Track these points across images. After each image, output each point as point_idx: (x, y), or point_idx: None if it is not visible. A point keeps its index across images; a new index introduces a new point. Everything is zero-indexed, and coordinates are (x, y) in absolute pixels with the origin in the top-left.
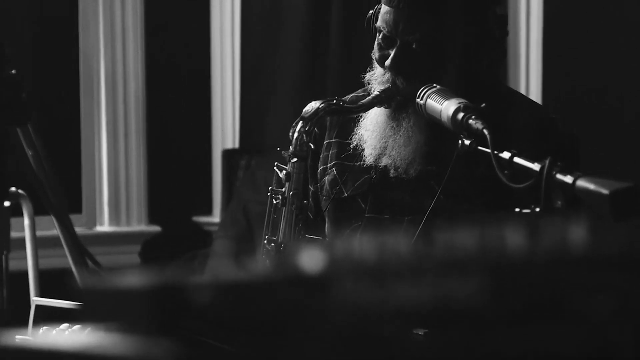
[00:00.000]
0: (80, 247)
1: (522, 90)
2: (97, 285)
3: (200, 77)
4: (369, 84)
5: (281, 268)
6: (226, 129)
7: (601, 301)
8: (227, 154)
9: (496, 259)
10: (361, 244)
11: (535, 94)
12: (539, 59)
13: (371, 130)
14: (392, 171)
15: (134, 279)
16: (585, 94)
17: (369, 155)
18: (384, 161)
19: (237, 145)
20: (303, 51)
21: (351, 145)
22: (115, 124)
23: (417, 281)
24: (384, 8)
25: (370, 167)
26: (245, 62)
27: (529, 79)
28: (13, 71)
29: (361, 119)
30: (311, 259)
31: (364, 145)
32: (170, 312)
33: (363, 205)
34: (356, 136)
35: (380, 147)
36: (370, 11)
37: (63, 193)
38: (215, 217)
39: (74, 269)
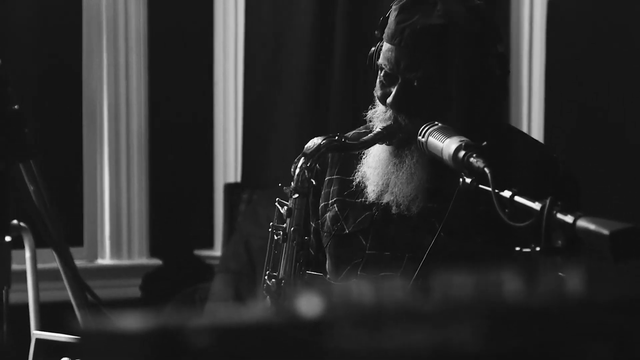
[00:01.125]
0: (80, 281)
1: (524, 129)
2: (97, 326)
3: (203, 112)
4: (370, 122)
5: (279, 311)
6: (228, 164)
7: (599, 347)
8: (229, 188)
9: (493, 304)
10: (359, 288)
11: (537, 133)
12: (541, 97)
13: (373, 167)
14: (394, 208)
15: (133, 321)
16: (587, 133)
17: (371, 192)
18: (386, 198)
19: (239, 179)
20: (306, 87)
21: (354, 183)
22: (117, 157)
23: (414, 326)
24: (386, 46)
25: (372, 204)
26: (248, 97)
27: (531, 117)
28: (16, 106)
29: (363, 156)
30: (309, 302)
31: (367, 182)
32: (167, 355)
33: (364, 242)
34: (358, 173)
35: (382, 184)
36: (372, 48)
37: (63, 227)
38: (217, 251)
39: (73, 303)
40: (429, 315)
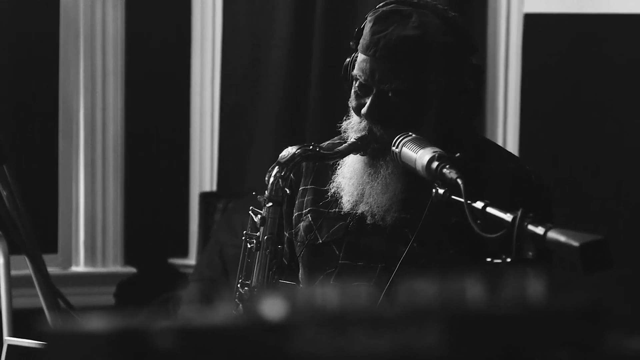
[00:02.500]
0: (52, 288)
1: (500, 141)
2: (62, 328)
3: (179, 120)
4: (345, 133)
5: (244, 315)
6: (204, 172)
7: (560, 354)
8: (205, 197)
9: (456, 310)
10: (323, 293)
11: (512, 145)
12: (517, 110)
13: (348, 177)
14: (369, 218)
15: (99, 323)
16: (563, 145)
17: (346, 202)
18: (361, 208)
19: (214, 188)
20: (282, 96)
21: (329, 193)
22: (93, 165)
23: (378, 331)
24: (361, 56)
25: (346, 214)
26: (225, 106)
27: (507, 129)
28: None
29: (338, 167)
30: (273, 306)
31: (342, 193)
32: (132, 356)
33: (337, 252)
34: (333, 184)
35: (357, 194)
36: (347, 59)
37: (35, 234)
38: (191, 260)
39: (45, 310)
40: (393, 321)
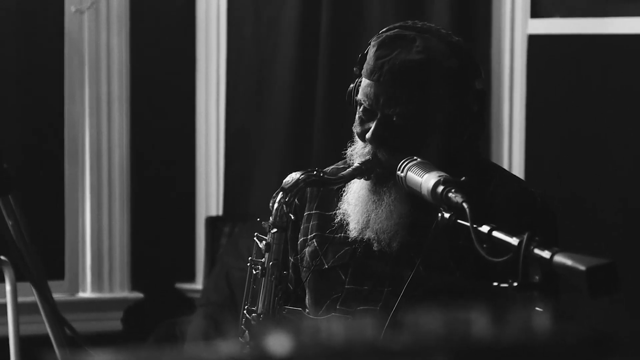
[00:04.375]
0: (58, 316)
1: (505, 164)
2: None
3: (184, 145)
4: (349, 158)
5: (250, 349)
6: (210, 197)
7: None
8: (211, 222)
9: (462, 341)
10: (329, 326)
11: (517, 168)
12: (522, 133)
13: (354, 204)
14: (375, 244)
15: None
16: (569, 168)
17: (353, 229)
18: (367, 234)
19: (220, 212)
20: (287, 121)
21: (335, 221)
22: (99, 190)
23: None
24: (365, 81)
25: (352, 239)
26: (230, 130)
27: (512, 153)
28: None
29: (343, 194)
30: (279, 340)
31: (348, 219)
32: None
33: (343, 277)
34: (340, 210)
35: (363, 221)
36: (351, 85)
37: (43, 262)
38: (198, 284)
39: (52, 339)
40: (399, 353)
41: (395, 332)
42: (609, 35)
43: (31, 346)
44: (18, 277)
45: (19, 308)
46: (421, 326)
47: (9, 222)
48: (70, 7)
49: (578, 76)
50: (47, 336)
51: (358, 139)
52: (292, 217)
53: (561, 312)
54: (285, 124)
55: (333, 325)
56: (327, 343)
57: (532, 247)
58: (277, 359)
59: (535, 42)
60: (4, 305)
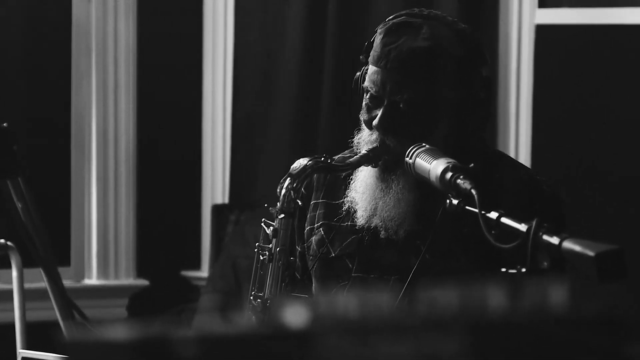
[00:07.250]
0: (67, 300)
1: (512, 152)
2: (83, 337)
3: (191, 132)
4: (356, 146)
5: (266, 323)
6: (216, 184)
7: None
8: (217, 209)
9: (478, 318)
10: (345, 301)
11: (524, 156)
12: (529, 121)
13: (361, 192)
14: (382, 232)
15: (119, 332)
16: (575, 156)
17: (360, 217)
18: (375, 222)
19: (226, 200)
20: (293, 108)
21: (343, 209)
22: (105, 177)
23: (400, 339)
24: (371, 68)
25: (358, 227)
26: (237, 117)
27: (519, 140)
28: (4, 124)
29: (351, 182)
30: (295, 314)
31: (356, 207)
32: None
33: (350, 265)
34: (347, 198)
35: (370, 209)
36: (358, 73)
37: (51, 246)
38: (204, 272)
39: (61, 322)
40: (414, 329)
41: (411, 308)
42: (616, 25)
43: (38, 332)
44: (24, 263)
45: (25, 294)
46: (437, 302)
47: (19, 205)
48: None
49: (585, 66)
50: (53, 322)
51: (365, 127)
52: (300, 203)
53: (575, 292)
54: (291, 112)
55: (349, 301)
56: (343, 317)
57: (540, 233)
58: (292, 332)
59: (543, 32)
60: (10, 291)
